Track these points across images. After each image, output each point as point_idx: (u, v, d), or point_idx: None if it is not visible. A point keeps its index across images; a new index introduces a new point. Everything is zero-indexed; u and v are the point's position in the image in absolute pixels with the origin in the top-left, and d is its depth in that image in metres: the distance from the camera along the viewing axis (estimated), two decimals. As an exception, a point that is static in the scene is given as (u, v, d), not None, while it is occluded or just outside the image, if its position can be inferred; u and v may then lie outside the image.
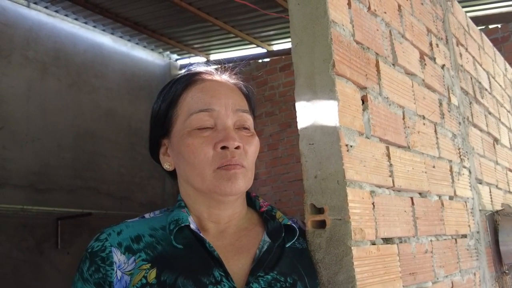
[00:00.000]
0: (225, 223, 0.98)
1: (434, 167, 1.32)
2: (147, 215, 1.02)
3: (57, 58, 5.21)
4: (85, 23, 5.41)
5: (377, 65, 1.13)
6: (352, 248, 0.87)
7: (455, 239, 1.38)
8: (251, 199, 1.07)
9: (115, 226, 0.97)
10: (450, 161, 1.46)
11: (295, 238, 0.95)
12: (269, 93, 5.60)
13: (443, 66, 1.60)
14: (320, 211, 0.93)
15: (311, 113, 0.95)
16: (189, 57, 6.28)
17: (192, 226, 0.93)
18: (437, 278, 1.21)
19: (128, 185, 5.57)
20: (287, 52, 5.56)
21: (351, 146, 0.94)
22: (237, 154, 0.93)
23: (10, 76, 4.79)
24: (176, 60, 6.39)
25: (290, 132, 5.39)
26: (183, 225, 0.92)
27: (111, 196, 5.33)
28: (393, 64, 1.23)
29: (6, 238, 4.50)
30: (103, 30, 5.59)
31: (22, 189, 4.66)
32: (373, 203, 0.98)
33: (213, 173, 0.93)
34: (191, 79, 1.02)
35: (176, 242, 0.91)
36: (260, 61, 5.76)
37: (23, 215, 4.50)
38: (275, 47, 5.69)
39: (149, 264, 0.89)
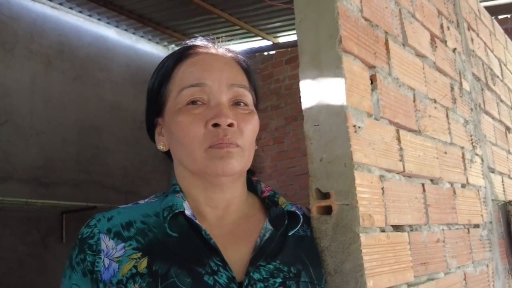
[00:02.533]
0: (223, 208, 0.91)
1: (446, 153, 1.26)
2: (141, 201, 0.96)
3: (61, 51, 5.16)
4: (90, 15, 5.36)
5: (386, 44, 1.07)
6: (360, 235, 0.82)
7: (468, 229, 1.33)
8: (252, 184, 1.00)
9: (106, 212, 0.91)
10: (462, 147, 1.40)
11: (299, 226, 0.89)
12: (275, 86, 5.54)
13: (454, 50, 1.54)
14: (325, 196, 0.87)
15: (316, 92, 0.90)
16: (194, 50, 6.22)
17: (187, 212, 0.87)
18: (449, 269, 1.15)
19: (132, 179, 5.53)
20: (293, 44, 5.49)
21: (359, 127, 0.88)
22: (230, 132, 0.86)
23: (14, 69, 4.75)
24: (181, 53, 6.33)
25: (296, 126, 5.32)
26: (177, 211, 0.86)
27: (116, 190, 5.30)
28: (403, 45, 1.17)
29: (11, 232, 4.48)
30: (108, 23, 5.54)
31: (26, 182, 4.63)
32: (382, 188, 0.92)
33: (204, 152, 0.86)
34: (184, 53, 0.95)
35: (171, 230, 0.85)
36: (265, 53, 5.69)
37: (28, 208, 4.47)
38: (281, 39, 5.63)
39: (140, 253, 0.83)
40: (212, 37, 0.99)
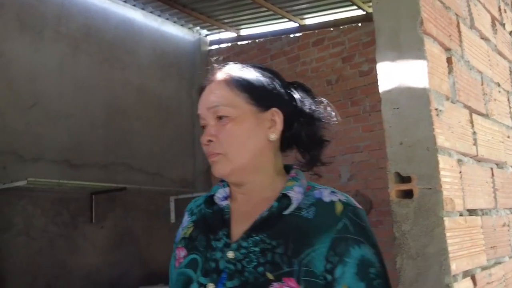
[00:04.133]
0: (248, 194, 1.12)
1: (509, 137, 1.25)
2: None
3: (88, 34, 5.18)
4: (116, -2, 5.37)
5: (458, 27, 1.06)
6: (444, 219, 0.82)
7: (527, 214, 1.31)
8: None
9: (200, 196, 1.23)
10: (522, 132, 1.38)
11: (290, 207, 1.04)
12: (301, 69, 5.49)
13: (511, 33, 1.51)
14: (404, 179, 0.87)
15: (395, 75, 0.89)
16: (219, 32, 6.18)
17: (218, 195, 1.14)
18: (513, 254, 1.15)
19: (159, 162, 5.57)
20: (320, 26, 5.43)
21: (440, 111, 0.87)
22: (211, 146, 1.08)
23: (42, 52, 4.79)
24: (206, 35, 6.31)
25: (322, 109, 5.29)
26: (209, 194, 1.16)
27: (144, 172, 5.34)
28: (470, 27, 1.15)
29: (42, 213, 4.56)
30: (134, 5, 5.53)
31: (56, 164, 4.70)
32: (460, 172, 0.92)
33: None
34: (201, 88, 1.17)
35: (209, 208, 1.14)
36: (291, 36, 5.64)
37: (58, 189, 4.54)
38: (308, 21, 5.56)
39: (192, 223, 1.17)
40: (220, 64, 1.18)
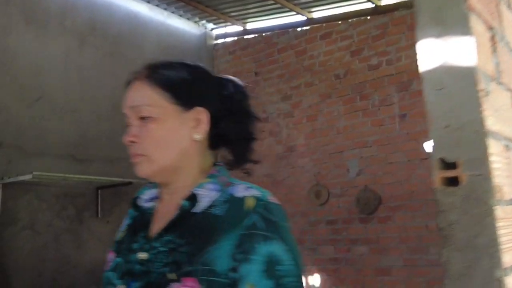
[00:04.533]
0: (174, 193, 1.09)
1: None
2: None
3: (94, 28, 5.13)
4: (121, -9, 5.30)
5: (497, 6, 1.00)
6: (495, 207, 0.76)
7: None
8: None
9: None
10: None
11: (196, 206, 1.02)
12: (309, 63, 5.42)
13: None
14: (449, 166, 0.81)
15: (439, 53, 0.83)
16: (225, 26, 6.11)
17: (144, 197, 1.16)
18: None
19: (164, 157, 5.51)
20: (328, 19, 5.36)
21: (487, 92, 0.81)
22: (133, 147, 1.07)
23: (47, 46, 4.74)
24: (212, 29, 6.24)
25: (330, 103, 5.22)
26: (135, 196, 1.17)
27: (149, 167, 5.29)
28: (508, 7, 1.09)
29: (47, 207, 4.52)
30: (140, -2, 5.48)
31: (61, 158, 4.65)
32: (508, 158, 0.86)
33: None
34: (128, 83, 1.18)
35: (137, 210, 1.13)
36: (299, 29, 5.57)
37: (64, 184, 4.50)
38: (315, 14, 5.49)
39: (127, 226, 1.14)
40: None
